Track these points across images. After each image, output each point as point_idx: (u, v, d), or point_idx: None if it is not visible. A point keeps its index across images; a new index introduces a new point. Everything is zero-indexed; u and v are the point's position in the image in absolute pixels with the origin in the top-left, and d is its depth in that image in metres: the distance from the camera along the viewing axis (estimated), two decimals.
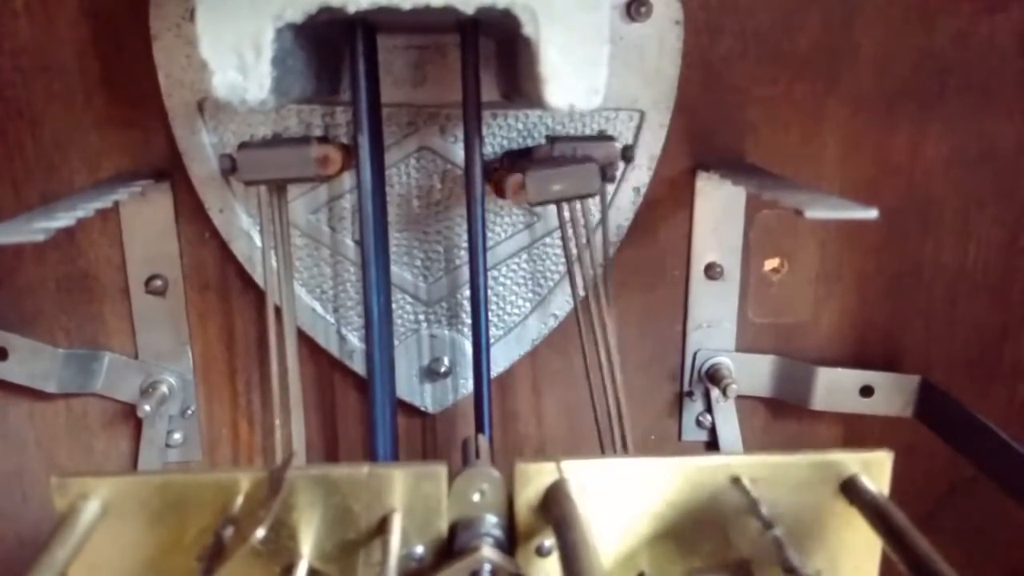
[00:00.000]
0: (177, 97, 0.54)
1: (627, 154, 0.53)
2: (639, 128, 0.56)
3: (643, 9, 0.53)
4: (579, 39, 0.38)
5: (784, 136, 0.59)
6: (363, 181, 0.48)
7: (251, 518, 0.34)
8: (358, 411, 0.63)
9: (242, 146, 0.49)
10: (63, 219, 0.41)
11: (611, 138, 0.54)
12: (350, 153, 0.51)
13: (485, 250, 0.52)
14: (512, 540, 0.36)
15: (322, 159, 0.48)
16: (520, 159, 0.54)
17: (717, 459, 0.36)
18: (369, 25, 0.48)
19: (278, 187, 0.51)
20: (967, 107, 0.58)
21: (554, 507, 0.34)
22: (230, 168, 0.48)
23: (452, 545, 0.35)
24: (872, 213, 0.40)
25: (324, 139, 0.52)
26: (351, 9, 0.37)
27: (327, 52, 0.49)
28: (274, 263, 0.53)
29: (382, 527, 0.35)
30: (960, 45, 0.57)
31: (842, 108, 0.58)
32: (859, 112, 0.58)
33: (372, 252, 0.50)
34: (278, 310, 0.53)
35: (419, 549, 0.35)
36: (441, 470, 0.35)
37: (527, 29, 0.38)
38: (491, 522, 0.36)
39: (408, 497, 0.35)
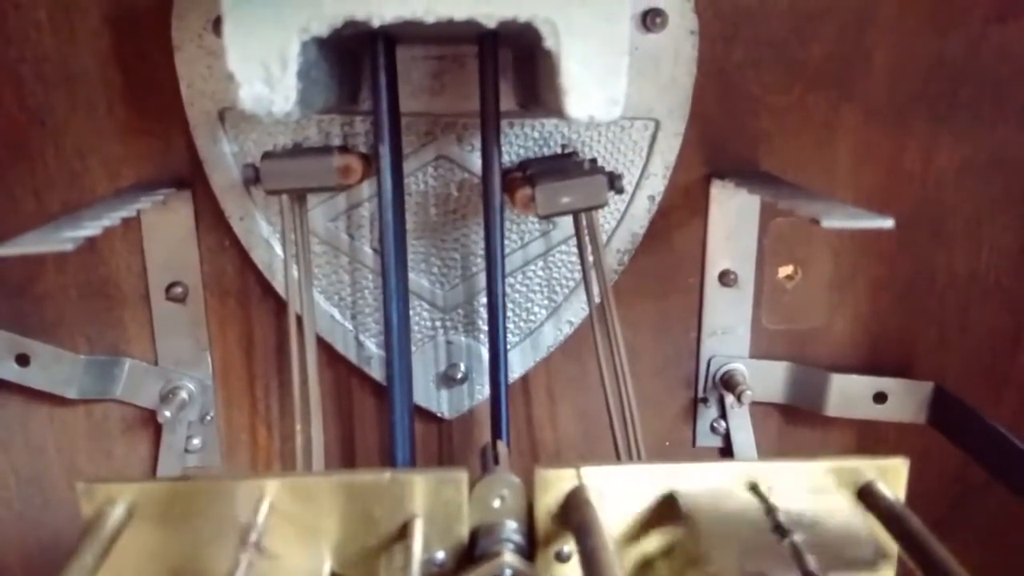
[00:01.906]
0: (198, 107, 0.55)
1: (616, 184, 0.50)
2: (654, 137, 0.56)
3: (659, 20, 0.53)
4: (599, 51, 0.38)
5: (797, 144, 0.59)
6: (384, 190, 0.49)
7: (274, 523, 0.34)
8: (375, 417, 0.64)
9: (265, 156, 0.49)
10: (90, 228, 0.42)
11: (600, 170, 0.50)
12: (370, 162, 0.52)
13: (503, 257, 0.52)
14: (532, 546, 0.36)
15: (344, 169, 0.49)
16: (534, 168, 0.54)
17: (736, 465, 0.36)
18: (390, 36, 0.48)
19: (298, 196, 0.52)
20: (979, 115, 0.59)
21: (574, 513, 0.35)
22: (253, 178, 0.49)
23: (473, 551, 0.35)
24: (888, 223, 0.41)
25: (345, 149, 0.52)
26: (376, 23, 0.38)
27: (347, 62, 0.50)
28: (294, 270, 0.53)
29: (403, 533, 0.35)
30: (972, 54, 0.57)
31: (855, 116, 0.59)
32: (872, 120, 0.59)
33: (391, 259, 0.50)
34: (298, 317, 0.53)
35: (440, 555, 0.36)
36: (462, 476, 0.35)
37: (548, 42, 0.38)
38: (511, 528, 0.36)
39: (429, 503, 0.35)
